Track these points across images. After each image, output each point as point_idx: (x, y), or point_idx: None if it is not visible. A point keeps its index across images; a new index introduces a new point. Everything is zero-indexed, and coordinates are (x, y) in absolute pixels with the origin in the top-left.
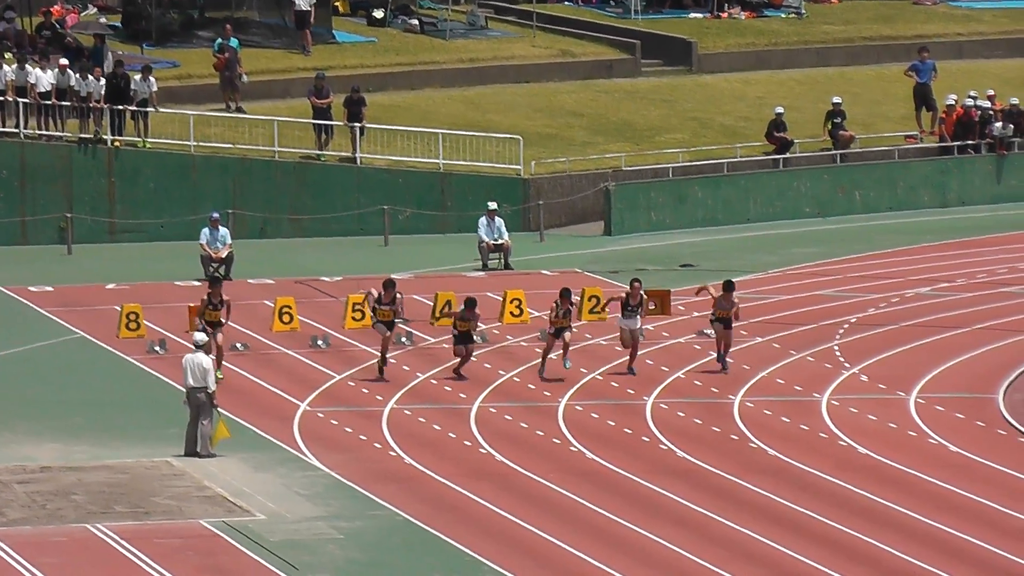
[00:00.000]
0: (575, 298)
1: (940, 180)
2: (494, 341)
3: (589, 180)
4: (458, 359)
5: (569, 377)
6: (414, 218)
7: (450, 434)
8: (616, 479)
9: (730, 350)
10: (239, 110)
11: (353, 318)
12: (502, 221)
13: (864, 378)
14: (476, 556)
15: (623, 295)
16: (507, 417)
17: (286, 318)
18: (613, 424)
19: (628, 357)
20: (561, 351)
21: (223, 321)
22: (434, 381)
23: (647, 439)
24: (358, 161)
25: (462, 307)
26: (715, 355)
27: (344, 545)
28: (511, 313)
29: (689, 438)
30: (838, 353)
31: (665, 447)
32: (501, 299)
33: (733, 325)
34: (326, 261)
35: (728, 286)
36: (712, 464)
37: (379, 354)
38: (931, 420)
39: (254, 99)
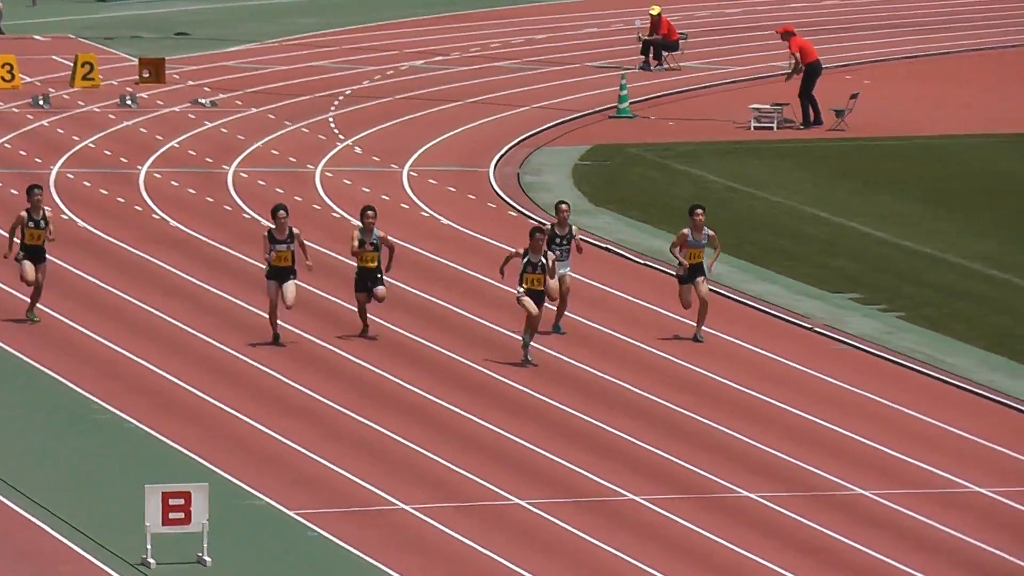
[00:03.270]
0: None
1: None
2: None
3: None
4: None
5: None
6: None
7: None
8: (109, 248)
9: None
10: None
11: None
12: None
13: (358, 150)
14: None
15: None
16: (86, 183)
17: None
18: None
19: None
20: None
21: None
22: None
23: (139, 208)
24: None
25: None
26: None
27: None
28: (3, 79)
29: (183, 208)
30: (332, 125)
31: (159, 216)
32: None
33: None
34: None
35: (694, 209)
36: (207, 234)
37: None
38: (424, 193)
39: None
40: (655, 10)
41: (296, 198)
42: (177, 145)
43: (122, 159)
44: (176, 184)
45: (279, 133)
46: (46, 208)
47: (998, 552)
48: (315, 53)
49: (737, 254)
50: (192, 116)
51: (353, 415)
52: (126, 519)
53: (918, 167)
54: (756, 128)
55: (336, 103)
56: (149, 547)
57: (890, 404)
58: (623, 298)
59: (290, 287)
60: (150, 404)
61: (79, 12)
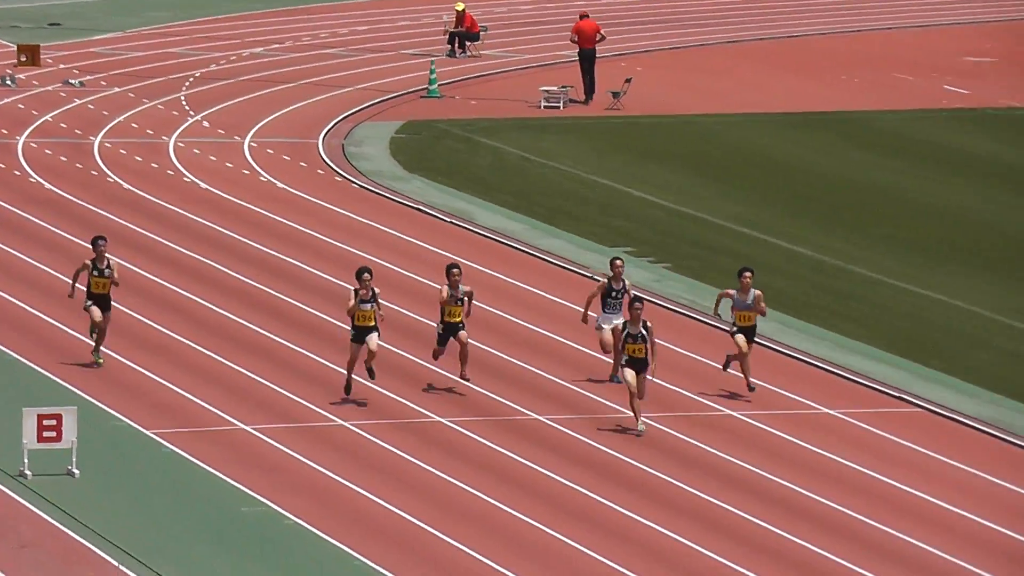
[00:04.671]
0: None
1: None
2: None
3: None
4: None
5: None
6: None
7: None
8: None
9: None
10: None
11: None
12: None
13: (206, 124)
14: None
15: (603, 282)
16: None
17: None
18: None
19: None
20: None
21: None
22: None
23: (18, 172)
24: None
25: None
26: (722, 364)
27: None
28: None
29: (55, 173)
30: (184, 102)
31: (35, 180)
32: None
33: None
34: None
35: (742, 272)
36: (77, 196)
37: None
38: (262, 161)
39: None
40: (459, 6)
41: (153, 165)
42: (51, 119)
43: (3, 131)
44: (50, 153)
45: (138, 109)
46: (110, 256)
47: (744, 466)
48: (169, 41)
49: (531, 215)
50: (63, 94)
51: (202, 350)
52: (6, 438)
53: (683, 142)
54: (545, 107)
55: (187, 84)
56: (26, 461)
57: (657, 340)
58: (436, 252)
59: (373, 336)
60: (27, 340)
61: None
